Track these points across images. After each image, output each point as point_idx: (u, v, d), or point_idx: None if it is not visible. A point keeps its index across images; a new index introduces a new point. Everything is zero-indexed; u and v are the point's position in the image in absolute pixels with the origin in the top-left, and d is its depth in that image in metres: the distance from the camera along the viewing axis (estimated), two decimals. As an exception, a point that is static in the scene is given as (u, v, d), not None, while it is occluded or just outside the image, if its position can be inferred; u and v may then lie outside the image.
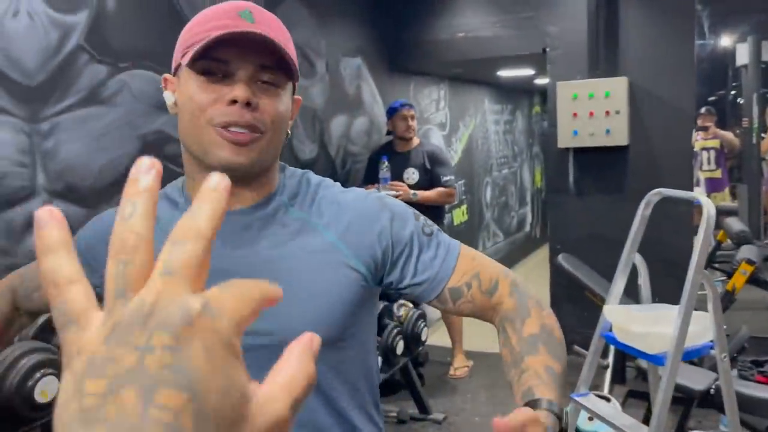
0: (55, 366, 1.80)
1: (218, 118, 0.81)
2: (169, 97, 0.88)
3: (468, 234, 6.10)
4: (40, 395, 1.74)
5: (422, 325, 3.53)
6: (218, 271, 0.53)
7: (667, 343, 1.63)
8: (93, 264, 0.81)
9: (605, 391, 3.50)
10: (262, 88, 0.83)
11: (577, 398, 2.01)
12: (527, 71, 5.58)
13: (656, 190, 1.94)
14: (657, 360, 1.73)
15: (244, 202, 0.87)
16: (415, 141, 3.94)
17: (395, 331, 3.30)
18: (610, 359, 3.60)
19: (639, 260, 1.95)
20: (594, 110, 3.85)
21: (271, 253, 0.86)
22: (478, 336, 5.01)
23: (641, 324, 1.72)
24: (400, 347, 3.30)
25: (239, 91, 0.80)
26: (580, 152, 4.06)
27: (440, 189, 3.87)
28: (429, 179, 3.84)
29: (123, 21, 2.51)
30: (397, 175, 3.83)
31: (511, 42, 4.24)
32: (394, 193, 3.68)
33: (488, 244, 6.66)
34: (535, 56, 4.30)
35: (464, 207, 6.03)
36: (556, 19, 4.07)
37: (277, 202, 0.89)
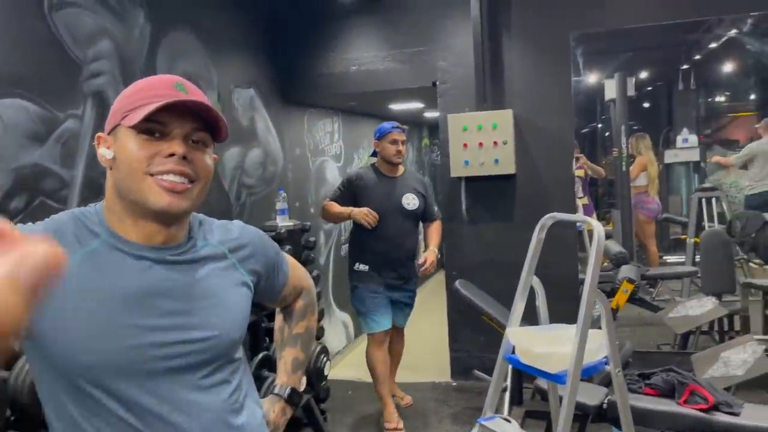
0: None
1: (156, 168, 0.98)
2: (106, 152, 1.02)
3: (365, 265, 6.11)
4: None
5: (324, 359, 3.46)
6: (170, 289, 1.02)
7: (567, 362, 1.69)
8: None
9: (505, 413, 3.58)
10: (194, 146, 1.02)
11: (484, 422, 2.03)
12: (417, 104, 5.74)
13: (550, 214, 2.03)
14: (558, 379, 1.78)
15: (175, 239, 1.06)
16: (401, 167, 3.85)
17: (297, 366, 3.20)
18: (508, 381, 3.70)
19: (536, 282, 2.01)
20: (483, 141, 4.01)
21: (201, 273, 1.08)
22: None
23: (543, 345, 1.77)
24: (302, 384, 3.20)
25: (177, 147, 0.99)
26: (472, 181, 4.21)
27: (437, 226, 3.90)
28: (423, 206, 3.78)
29: (-7, 46, 2.32)
30: (393, 199, 3.68)
31: (402, 75, 4.34)
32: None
33: (385, 274, 6.70)
34: (425, 90, 4.43)
35: (360, 238, 6.04)
36: (445, 54, 4.22)
37: (195, 237, 1.11)
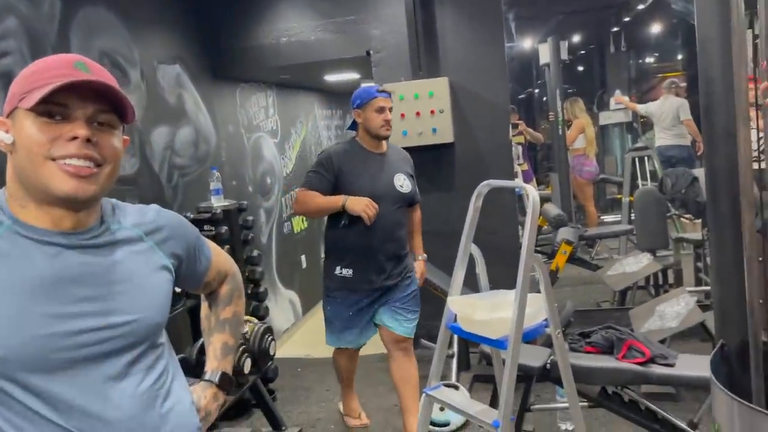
0: None
1: (58, 152, 0.94)
2: (4, 136, 0.97)
3: (309, 241, 6.05)
4: None
5: (269, 339, 3.39)
6: (83, 274, 0.98)
7: (507, 327, 1.69)
8: None
9: (453, 380, 3.62)
10: (99, 128, 0.98)
11: (429, 392, 2.03)
12: (353, 75, 5.64)
13: (486, 181, 2.02)
14: (500, 344, 1.79)
15: (85, 224, 1.02)
16: (384, 142, 3.05)
17: (241, 349, 3.13)
18: (455, 348, 3.74)
19: (475, 250, 2.01)
20: (420, 110, 3.97)
21: (117, 257, 1.04)
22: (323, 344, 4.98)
23: (483, 312, 1.77)
24: (247, 365, 3.14)
25: (80, 129, 0.94)
26: (411, 151, 4.15)
27: (419, 214, 3.25)
28: (413, 189, 3.07)
29: None
30: (384, 182, 2.92)
31: (335, 45, 4.24)
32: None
33: (330, 249, 6.65)
34: (360, 59, 4.35)
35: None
36: (377, 23, 4.14)
37: (107, 221, 1.06)
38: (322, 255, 3.19)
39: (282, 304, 5.31)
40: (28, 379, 0.93)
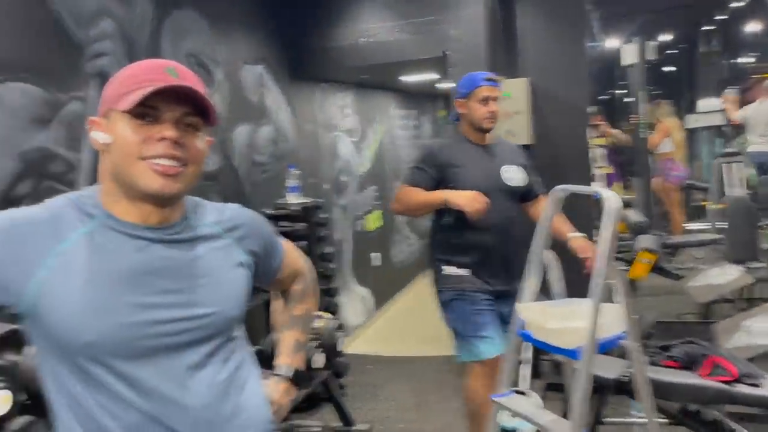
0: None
1: (148, 152, 1.00)
2: (99, 136, 1.04)
3: (383, 239, 6.09)
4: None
5: (340, 335, 3.45)
6: (168, 267, 1.04)
7: (581, 337, 1.65)
8: None
9: (524, 387, 3.55)
10: (185, 129, 1.03)
11: (498, 399, 2.00)
12: (430, 75, 5.64)
13: (561, 186, 1.97)
14: (572, 355, 1.74)
15: (170, 219, 1.07)
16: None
17: (313, 344, 3.20)
18: (527, 354, 3.66)
19: (549, 256, 1.96)
20: (497, 111, 3.91)
21: (198, 252, 1.09)
22: (400, 341, 5.01)
23: (555, 320, 1.73)
24: (319, 360, 3.20)
25: (168, 131, 1.00)
26: (486, 153, 4.12)
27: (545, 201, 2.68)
28: (528, 181, 2.82)
29: (-7, 30, 2.29)
30: (492, 175, 2.69)
31: (412, 46, 4.25)
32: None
33: (403, 248, 6.68)
34: (436, 60, 4.33)
35: (378, 212, 6.01)
36: (455, 23, 4.11)
37: (190, 218, 1.12)
38: (429, 257, 2.88)
39: (354, 301, 5.38)
40: (115, 364, 0.98)
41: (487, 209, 2.50)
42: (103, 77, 2.77)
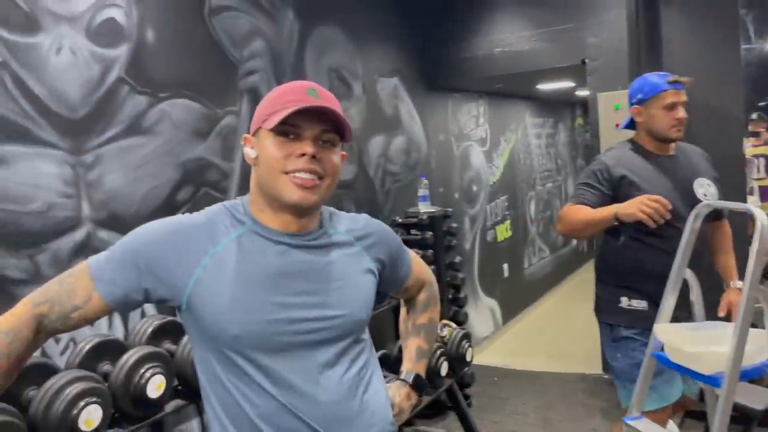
0: (98, 394, 1.82)
1: (290, 167, 1.09)
2: (250, 151, 1.15)
3: (512, 250, 6.01)
4: (85, 424, 1.76)
5: (466, 345, 3.46)
6: (305, 271, 1.14)
7: (722, 363, 1.55)
8: (142, 268, 1.07)
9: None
10: (322, 146, 1.11)
11: (629, 422, 1.93)
12: (567, 83, 5.50)
13: (705, 202, 1.86)
14: (713, 381, 1.64)
15: (308, 227, 1.17)
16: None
17: (439, 352, 3.24)
18: (665, 378, 3.46)
19: (690, 275, 1.86)
20: (638, 120, 3.74)
21: (332, 258, 1.18)
22: (529, 355, 4.91)
23: (693, 343, 1.63)
24: (444, 368, 3.24)
25: (307, 147, 1.09)
26: (625, 164, 3.95)
27: (727, 232, 2.54)
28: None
29: (162, 52, 2.58)
30: (682, 189, 2.30)
31: (549, 55, 4.18)
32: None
33: (534, 260, 6.54)
34: (574, 68, 4.23)
35: (508, 223, 5.94)
36: (595, 30, 3.99)
37: (325, 226, 1.21)
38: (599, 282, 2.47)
39: (482, 312, 5.35)
40: (255, 356, 1.08)
41: (671, 229, 2.13)
42: (254, 93, 3.01)
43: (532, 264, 6.49)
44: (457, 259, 3.95)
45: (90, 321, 1.10)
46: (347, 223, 1.25)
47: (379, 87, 4.04)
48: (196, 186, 2.70)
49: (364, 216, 1.31)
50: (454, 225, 3.94)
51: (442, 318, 3.72)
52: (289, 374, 1.09)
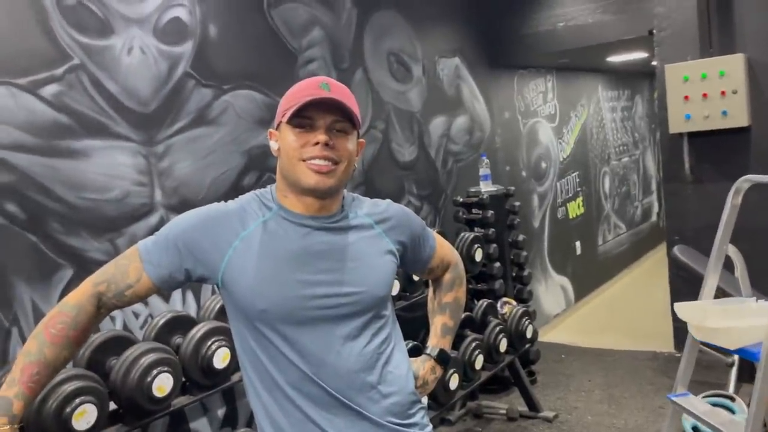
0: (170, 364, 2.02)
1: (306, 155, 1.19)
2: (273, 144, 1.26)
3: (585, 227, 5.91)
4: (157, 390, 1.96)
5: (527, 322, 3.50)
6: (325, 251, 1.25)
7: (746, 337, 1.54)
8: (182, 251, 1.20)
9: (730, 390, 3.27)
10: (336, 134, 1.21)
11: (674, 398, 1.94)
12: (641, 54, 5.30)
13: (745, 177, 1.83)
14: (752, 356, 1.63)
15: (329, 210, 1.26)
16: None
17: (498, 329, 3.30)
18: (736, 356, 3.36)
19: (733, 251, 1.83)
20: (707, 92, 3.61)
21: (351, 239, 1.26)
22: (599, 333, 4.86)
23: (717, 318, 1.62)
24: (503, 345, 3.29)
25: (321, 136, 1.19)
26: (695, 137, 3.82)
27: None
28: None
29: (224, 46, 2.74)
30: None
31: (615, 27, 4.07)
32: None
33: (609, 237, 6.40)
34: (642, 39, 4.10)
35: (580, 199, 5.85)
36: (662, -1, 3.85)
37: (346, 210, 1.29)
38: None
39: (553, 290, 5.32)
40: (283, 329, 1.20)
41: None
42: (311, 80, 3.13)
43: (607, 241, 6.35)
44: (520, 237, 3.96)
45: (142, 298, 1.25)
46: (368, 207, 1.33)
47: (439, 68, 4.07)
48: (261, 171, 2.87)
49: (387, 201, 1.39)
50: (517, 203, 3.94)
51: (505, 295, 3.76)
52: (312, 345, 1.20)
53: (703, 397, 2.97)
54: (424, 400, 1.43)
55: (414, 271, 1.49)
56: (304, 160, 1.19)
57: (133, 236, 2.36)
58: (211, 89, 2.68)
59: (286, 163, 1.22)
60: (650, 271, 6.66)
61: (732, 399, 3.08)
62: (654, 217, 7.61)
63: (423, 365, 1.45)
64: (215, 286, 1.26)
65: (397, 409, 1.27)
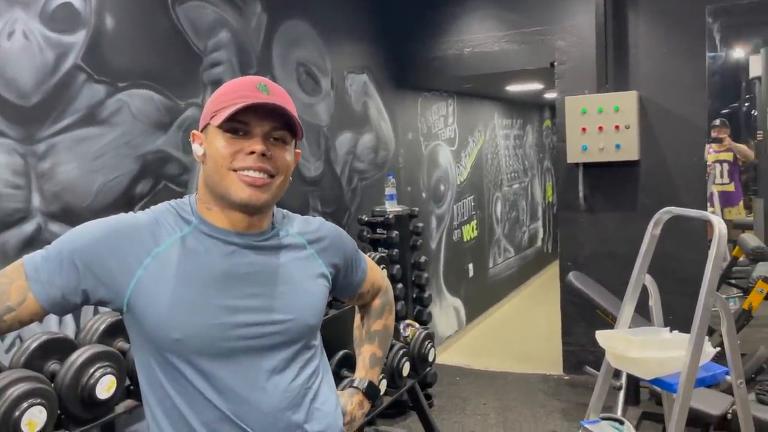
0: (43, 395, 1.75)
1: (239, 164, 1.05)
2: (198, 148, 1.11)
3: (478, 250, 6.03)
4: (27, 427, 1.69)
5: (429, 345, 3.45)
6: (253, 273, 1.09)
7: (664, 368, 1.56)
8: (81, 269, 1.01)
9: (618, 413, 3.40)
10: (273, 143, 1.07)
11: (587, 425, 1.93)
12: (536, 85, 5.53)
13: (666, 208, 1.87)
14: (669, 387, 1.65)
15: (259, 227, 1.12)
16: None
17: (401, 352, 3.22)
18: (623, 380, 3.50)
19: (649, 281, 1.87)
20: (603, 125, 3.78)
21: (282, 260, 1.13)
22: (491, 355, 4.93)
23: (638, 349, 1.64)
24: (406, 368, 3.22)
25: (257, 145, 1.05)
26: (590, 167, 3.99)
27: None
28: None
29: (122, 40, 2.49)
30: None
31: (518, 57, 4.19)
32: None
33: (499, 260, 6.57)
34: (543, 70, 4.25)
35: (474, 223, 5.96)
36: (564, 34, 4.02)
37: (277, 227, 1.16)
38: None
39: (446, 311, 5.36)
40: (198, 361, 1.04)
41: None
42: (218, 85, 2.90)
43: (497, 264, 6.52)
44: (422, 258, 3.94)
45: (24, 323, 1.03)
46: (300, 225, 1.21)
47: (348, 83, 3.99)
48: (155, 179, 2.63)
49: (319, 219, 1.27)
50: (420, 224, 3.92)
51: (406, 317, 3.71)
52: (233, 381, 1.05)
53: (588, 423, 3.05)
54: None
55: (343, 296, 1.35)
56: (235, 171, 1.05)
57: (2, 246, 2.05)
58: (105, 86, 2.42)
59: (213, 172, 1.07)
60: (535, 294, 6.91)
61: (621, 422, 3.20)
62: (539, 243, 7.94)
63: (351, 399, 1.33)
64: (119, 312, 1.07)
65: None
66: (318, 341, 1.21)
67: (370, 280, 1.37)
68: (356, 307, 1.46)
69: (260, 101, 1.04)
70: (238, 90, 1.07)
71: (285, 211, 1.23)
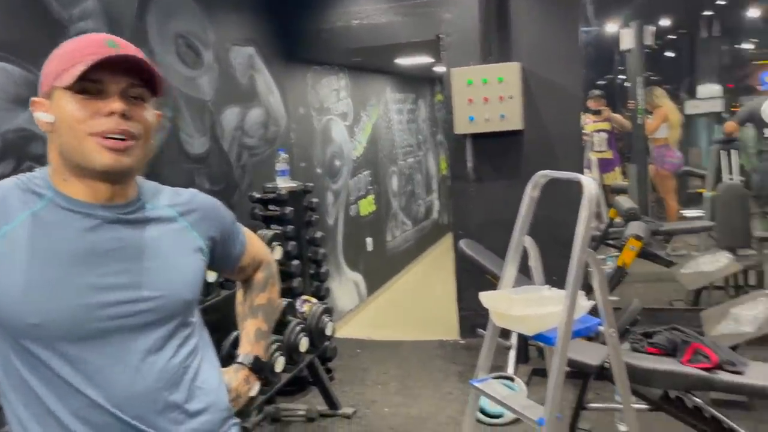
0: None
1: (97, 128, 0.96)
2: (44, 116, 1.00)
3: (376, 224, 6.08)
4: None
5: (327, 320, 3.45)
6: (119, 248, 1.02)
7: (545, 323, 1.64)
8: None
9: (510, 372, 3.56)
10: (132, 102, 1.00)
11: (476, 384, 2.00)
12: (426, 59, 5.59)
13: (542, 172, 1.96)
14: (548, 340, 1.73)
15: (123, 197, 1.05)
16: None
17: (298, 328, 3.20)
18: (513, 340, 3.67)
19: (529, 242, 1.95)
20: (488, 96, 3.89)
21: (151, 234, 1.06)
22: (391, 326, 5.02)
23: (520, 307, 1.72)
24: (304, 344, 3.20)
25: (116, 104, 0.97)
26: (478, 138, 4.10)
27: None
28: None
29: (-30, 7, 2.26)
30: None
31: (405, 29, 4.21)
32: None
33: (397, 233, 6.66)
34: (430, 43, 4.30)
35: (371, 197, 5.99)
36: (449, 6, 4.07)
37: (143, 199, 1.09)
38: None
39: (346, 286, 5.38)
40: (60, 346, 0.96)
41: None
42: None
43: (395, 237, 6.61)
44: (318, 234, 3.91)
45: None
46: (170, 196, 1.14)
47: (232, 56, 3.85)
48: (18, 160, 2.42)
49: (191, 190, 1.21)
50: (315, 200, 3.88)
51: (303, 294, 3.68)
52: (103, 364, 0.98)
53: (477, 382, 3.18)
54: None
55: (223, 269, 1.32)
56: (93, 135, 0.96)
57: None
58: (-47, 58, 2.19)
59: (69, 140, 0.97)
60: (432, 264, 7.09)
61: (512, 379, 3.36)
62: (435, 215, 8.13)
63: (236, 376, 1.28)
64: None
65: (207, 428, 1.10)
66: (197, 318, 1.16)
67: (251, 253, 1.33)
68: (238, 283, 1.41)
69: (113, 54, 0.97)
70: (84, 47, 0.99)
71: (154, 183, 1.16)
